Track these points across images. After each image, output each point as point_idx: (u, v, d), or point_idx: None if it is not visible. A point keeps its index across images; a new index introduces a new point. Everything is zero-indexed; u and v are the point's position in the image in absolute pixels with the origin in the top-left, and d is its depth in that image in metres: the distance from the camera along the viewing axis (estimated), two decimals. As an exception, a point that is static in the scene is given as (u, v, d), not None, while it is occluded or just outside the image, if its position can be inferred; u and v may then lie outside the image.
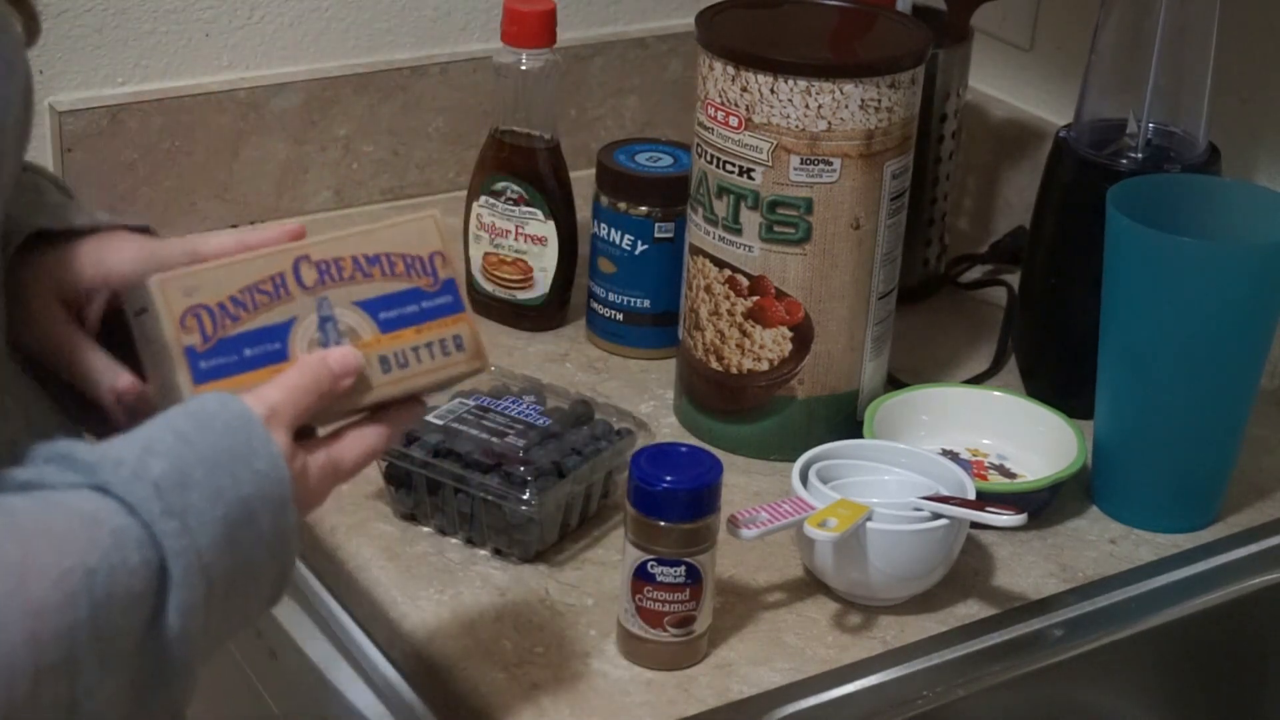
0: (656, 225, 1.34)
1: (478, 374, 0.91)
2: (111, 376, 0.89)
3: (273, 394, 0.82)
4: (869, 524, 1.06)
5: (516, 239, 1.38)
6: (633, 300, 1.36)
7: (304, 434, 0.86)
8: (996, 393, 1.28)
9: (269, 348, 0.85)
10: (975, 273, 1.55)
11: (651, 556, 1.02)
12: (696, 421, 1.28)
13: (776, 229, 1.19)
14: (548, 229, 1.37)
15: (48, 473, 0.75)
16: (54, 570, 0.70)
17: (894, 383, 1.33)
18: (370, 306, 0.87)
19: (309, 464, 0.84)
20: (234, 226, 1.53)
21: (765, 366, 1.23)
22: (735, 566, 1.13)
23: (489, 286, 1.39)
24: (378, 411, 0.88)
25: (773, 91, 1.16)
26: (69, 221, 0.91)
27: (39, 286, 0.90)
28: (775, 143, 1.17)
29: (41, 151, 1.47)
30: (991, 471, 1.23)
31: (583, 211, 1.40)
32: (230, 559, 0.77)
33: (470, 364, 0.90)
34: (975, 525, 1.11)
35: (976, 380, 1.37)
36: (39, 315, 0.90)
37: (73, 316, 0.91)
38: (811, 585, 1.12)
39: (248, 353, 0.84)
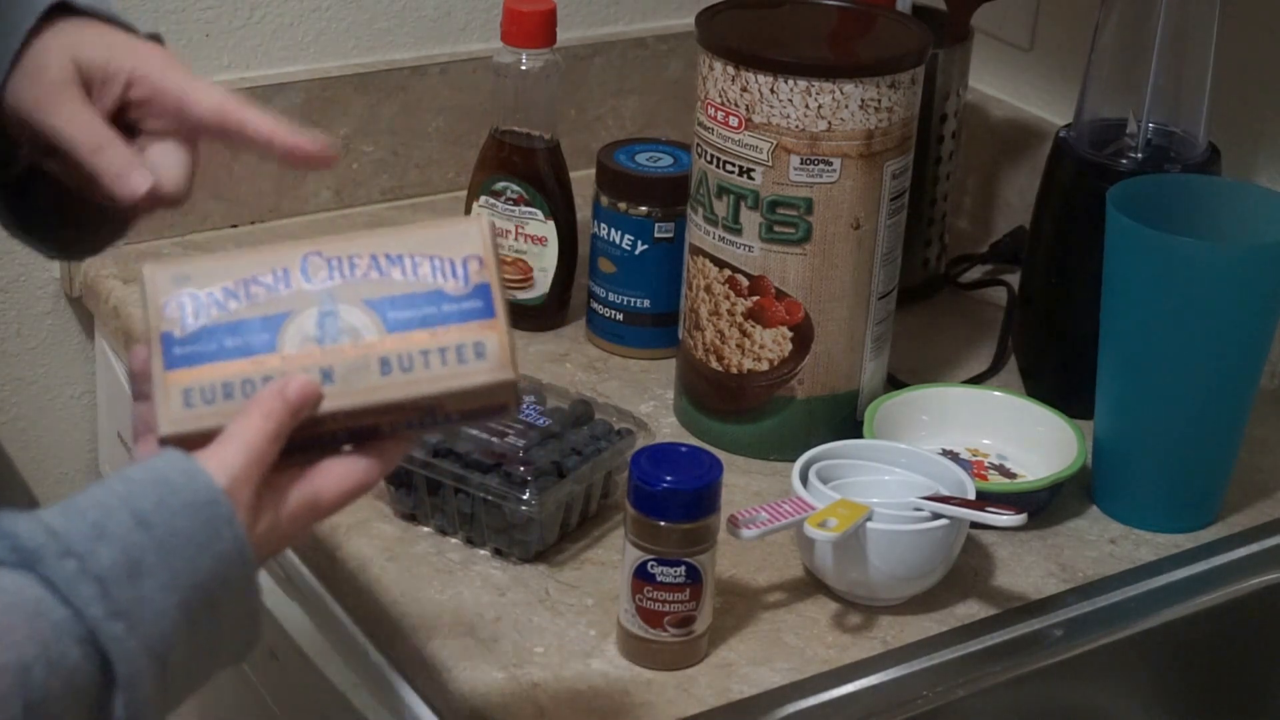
0: (656, 225, 1.34)
1: (506, 389, 0.81)
2: (139, 179, 0.85)
3: (233, 457, 0.77)
4: (869, 524, 1.06)
5: (516, 239, 1.38)
6: (633, 300, 1.36)
7: (301, 448, 0.80)
8: (996, 393, 1.28)
9: (255, 339, 0.80)
10: (975, 273, 1.55)
11: (651, 556, 1.02)
12: (696, 421, 1.28)
13: (776, 229, 1.19)
14: (548, 229, 1.37)
15: None
16: None
17: (894, 383, 1.33)
18: (380, 305, 0.81)
19: (280, 514, 0.79)
20: (234, 227, 1.53)
21: (765, 366, 1.23)
22: (735, 566, 1.13)
23: (489, 286, 1.39)
24: (368, 440, 0.82)
25: (773, 91, 1.16)
26: (103, 4, 0.88)
27: (59, 57, 0.86)
28: (775, 143, 1.17)
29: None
30: (991, 471, 1.23)
31: (583, 211, 1.40)
32: (188, 643, 0.74)
33: (492, 374, 0.81)
34: (975, 525, 1.11)
35: (976, 380, 1.37)
36: (54, 87, 0.85)
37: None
38: (811, 585, 1.12)
39: (229, 342, 0.80)
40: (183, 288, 0.80)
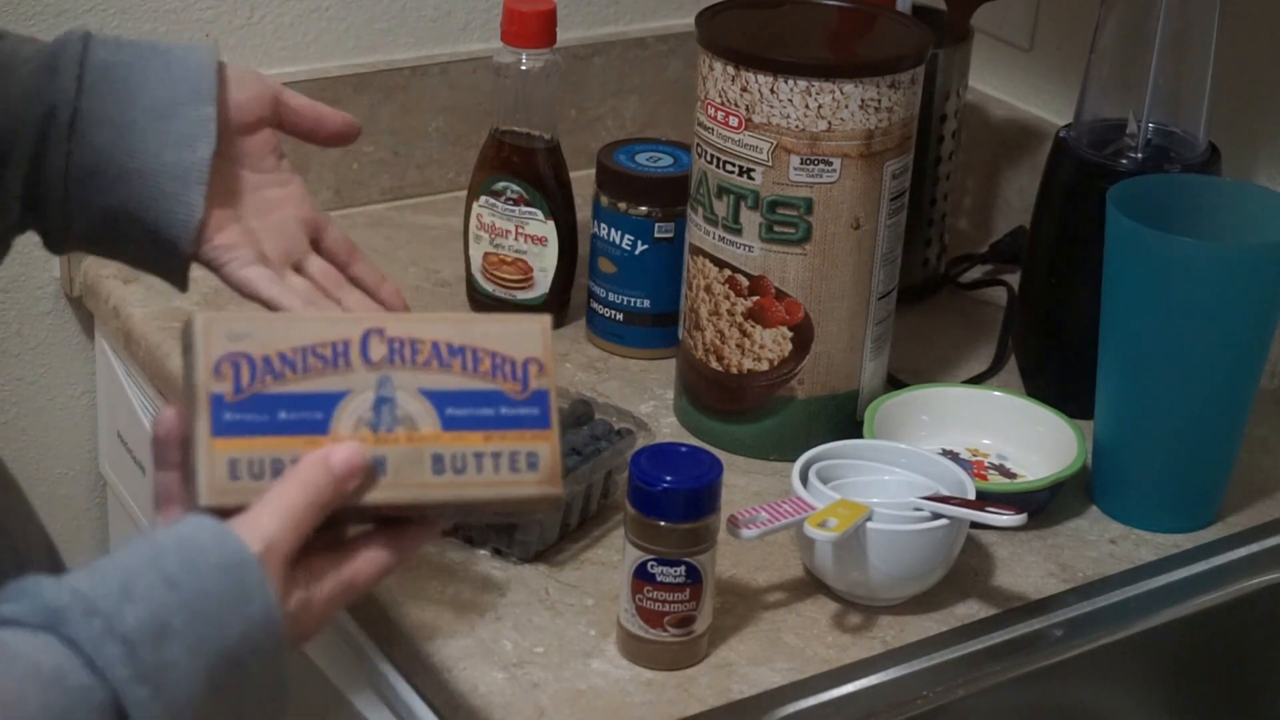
0: (656, 225, 1.34)
1: (548, 505, 0.81)
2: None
3: (269, 524, 0.74)
4: (869, 524, 1.06)
5: (516, 239, 1.38)
6: (633, 300, 1.36)
7: (331, 523, 0.79)
8: (996, 393, 1.28)
9: (309, 416, 0.77)
10: (975, 273, 1.55)
11: (651, 556, 1.02)
12: (696, 421, 1.28)
13: (776, 229, 1.19)
14: (548, 229, 1.37)
15: (7, 611, 0.69)
16: None
17: (894, 383, 1.33)
18: (438, 398, 0.79)
19: (311, 599, 0.77)
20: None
21: (765, 366, 1.23)
22: (735, 566, 1.13)
23: (489, 286, 1.39)
24: (397, 522, 0.80)
25: (773, 91, 1.16)
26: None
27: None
28: (775, 143, 1.17)
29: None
30: (991, 471, 1.23)
31: (583, 211, 1.40)
32: (213, 709, 0.71)
33: (540, 488, 0.80)
34: (975, 525, 1.11)
35: (976, 380, 1.37)
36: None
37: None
38: (811, 585, 1.12)
39: (283, 416, 0.77)
40: (238, 346, 0.77)
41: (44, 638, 0.68)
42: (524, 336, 0.81)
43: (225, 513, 0.76)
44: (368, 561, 0.79)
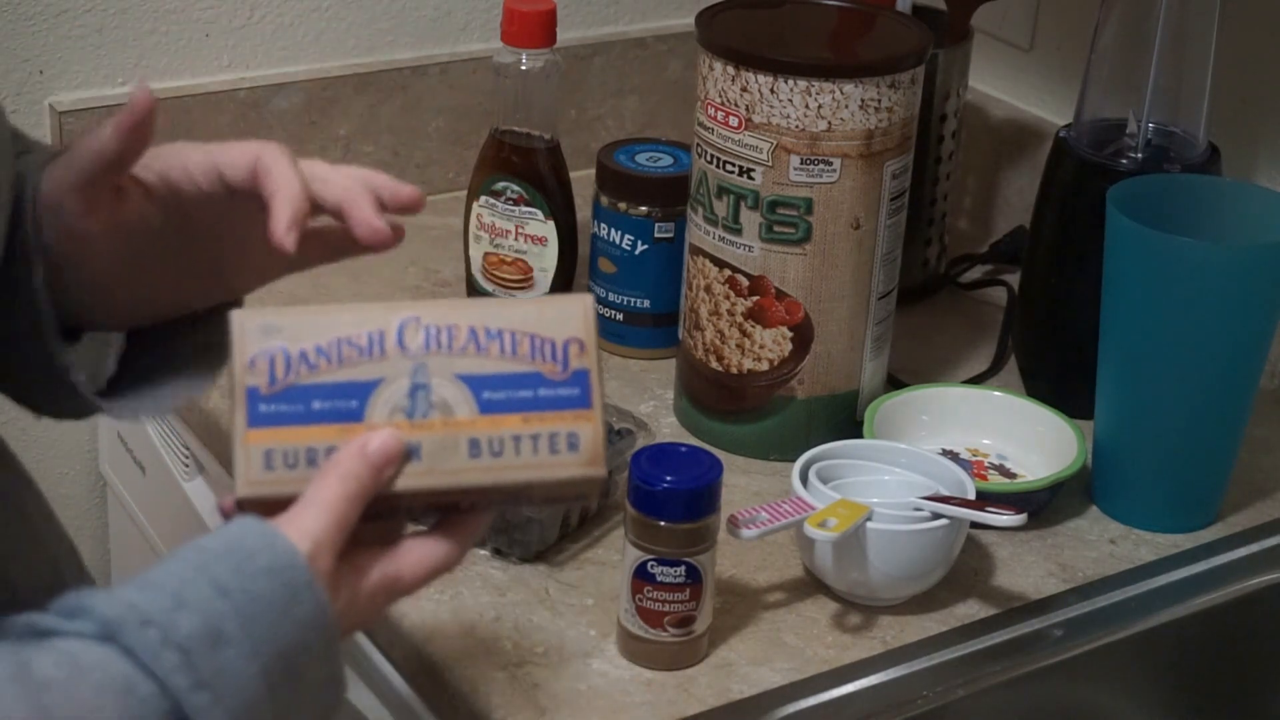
0: (656, 225, 1.34)
1: (592, 487, 0.79)
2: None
3: (313, 522, 0.74)
4: (869, 524, 1.06)
5: (516, 239, 1.38)
6: (633, 300, 1.36)
7: (377, 516, 0.78)
8: (996, 393, 1.28)
9: (343, 405, 0.76)
10: (975, 273, 1.55)
11: (651, 556, 1.02)
12: (696, 421, 1.28)
13: (776, 229, 1.19)
14: (548, 229, 1.37)
15: (67, 626, 0.70)
16: None
17: (894, 383, 1.33)
18: (475, 383, 0.77)
19: (359, 590, 0.77)
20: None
21: (765, 366, 1.23)
22: (735, 566, 1.13)
23: (489, 286, 1.39)
24: (448, 513, 0.80)
25: (773, 91, 1.16)
26: None
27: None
28: (775, 143, 1.17)
29: (41, 151, 1.47)
30: (991, 471, 1.23)
31: (583, 211, 1.40)
32: (271, 712, 0.72)
33: (583, 469, 0.78)
34: (975, 525, 1.11)
35: (976, 380, 1.37)
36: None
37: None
38: (811, 585, 1.12)
39: (317, 405, 0.76)
40: (272, 340, 0.77)
41: (106, 649, 0.69)
42: (564, 317, 0.79)
43: (264, 505, 0.76)
44: (415, 555, 0.79)
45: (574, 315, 0.79)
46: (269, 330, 0.77)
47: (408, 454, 0.77)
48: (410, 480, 0.77)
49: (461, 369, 0.78)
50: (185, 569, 0.72)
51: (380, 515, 0.78)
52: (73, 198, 0.81)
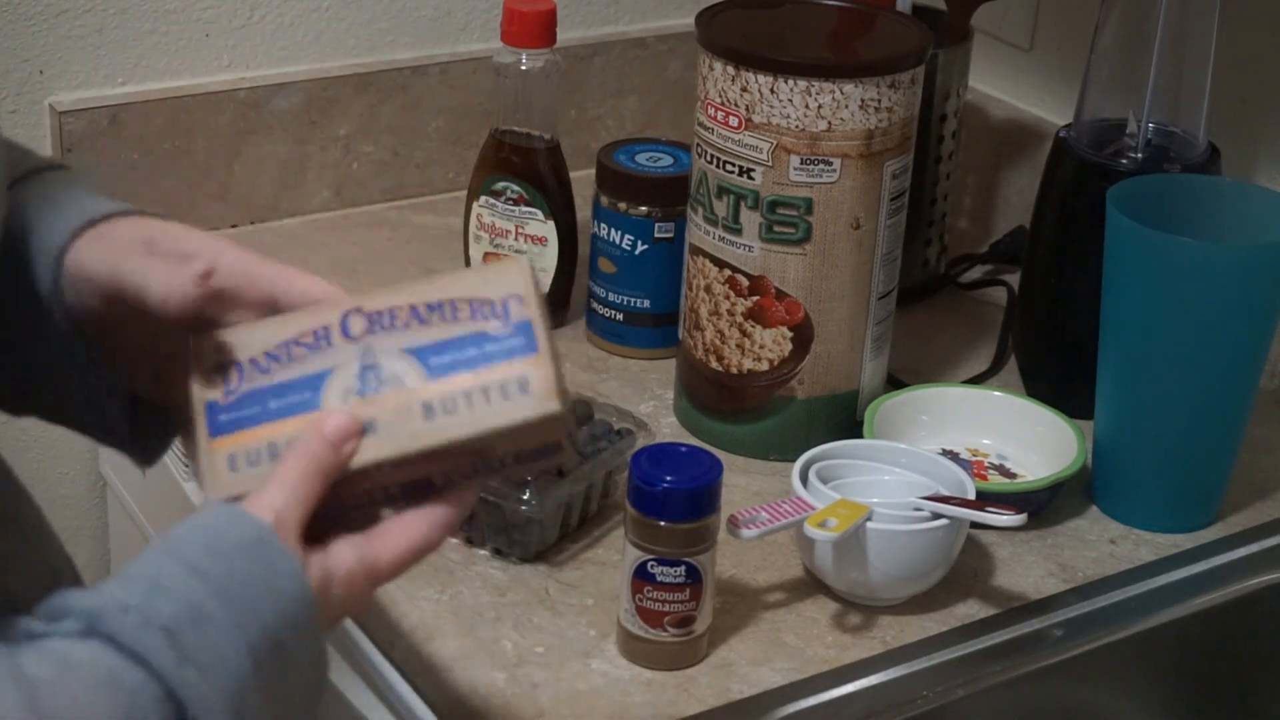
0: (656, 225, 1.34)
1: (554, 424, 0.79)
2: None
3: (275, 496, 0.75)
4: (869, 524, 1.06)
5: (516, 239, 1.38)
6: (633, 300, 1.36)
7: (355, 507, 0.79)
8: (996, 393, 1.28)
9: (298, 398, 0.78)
10: (975, 273, 1.55)
11: (651, 556, 1.02)
12: (696, 421, 1.28)
13: (776, 229, 1.19)
14: (548, 229, 1.37)
15: (54, 628, 0.70)
16: None
17: (894, 383, 1.33)
18: (421, 353, 0.79)
19: (334, 569, 0.76)
20: (234, 227, 1.53)
21: (765, 366, 1.23)
22: (735, 566, 1.13)
23: (489, 286, 1.39)
24: (427, 492, 0.79)
25: (773, 91, 1.16)
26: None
27: (129, 230, 0.81)
28: (775, 143, 1.17)
29: (41, 152, 1.46)
30: (991, 471, 1.23)
31: (583, 211, 1.40)
32: (261, 691, 0.72)
33: (537, 408, 0.78)
34: (975, 525, 1.11)
35: (976, 380, 1.37)
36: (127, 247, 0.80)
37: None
38: (811, 585, 1.12)
39: (273, 404, 0.78)
40: (225, 356, 0.79)
41: (92, 644, 0.69)
42: (502, 279, 0.80)
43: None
44: (392, 535, 0.79)
45: (511, 275, 0.80)
46: (222, 347, 0.79)
47: (364, 428, 0.78)
48: (372, 452, 0.78)
49: (407, 343, 0.79)
50: (159, 557, 0.73)
51: (357, 505, 0.79)
52: (94, 295, 0.81)
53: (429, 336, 0.79)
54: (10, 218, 0.81)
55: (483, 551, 1.13)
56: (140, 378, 0.85)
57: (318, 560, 0.76)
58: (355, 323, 0.79)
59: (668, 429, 1.29)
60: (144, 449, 0.87)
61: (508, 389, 0.78)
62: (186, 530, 0.74)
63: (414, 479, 0.80)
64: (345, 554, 0.77)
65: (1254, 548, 1.20)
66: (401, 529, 0.79)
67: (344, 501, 0.78)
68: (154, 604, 0.70)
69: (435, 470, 0.80)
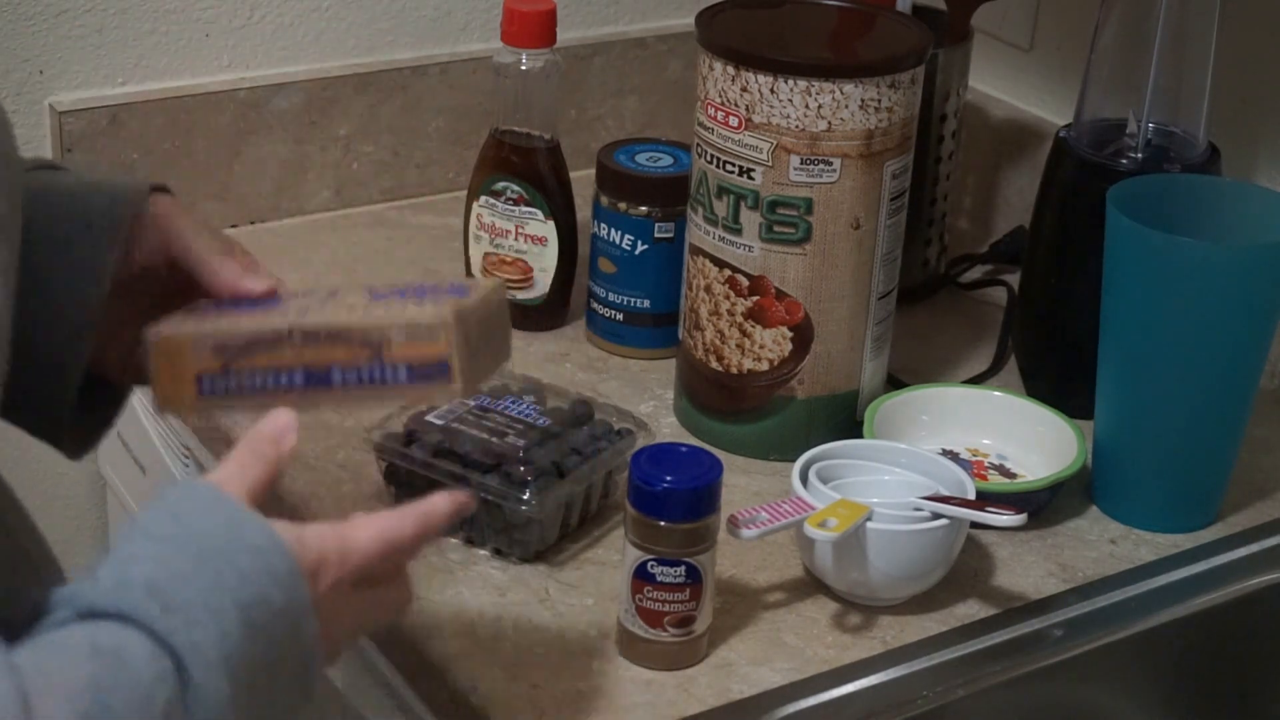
0: (656, 225, 1.34)
1: (445, 329, 0.86)
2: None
3: (220, 472, 0.79)
4: (869, 524, 1.06)
5: (516, 239, 1.38)
6: (633, 300, 1.36)
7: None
8: (996, 393, 1.28)
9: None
10: (975, 273, 1.55)
11: (651, 556, 1.02)
12: (696, 421, 1.28)
13: (776, 229, 1.19)
14: (548, 229, 1.37)
15: (44, 624, 0.71)
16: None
17: (894, 383, 1.33)
18: (367, 289, 0.91)
19: (304, 537, 0.77)
20: (234, 227, 1.53)
21: (765, 366, 1.23)
22: (735, 566, 1.13)
23: (489, 286, 1.39)
24: (322, 397, 0.87)
25: (773, 91, 1.16)
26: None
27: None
28: (775, 143, 1.17)
29: (41, 152, 1.47)
30: (991, 471, 1.23)
31: (583, 211, 1.40)
32: (249, 645, 0.72)
33: (432, 315, 0.86)
34: (975, 525, 1.11)
35: (976, 380, 1.37)
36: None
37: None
38: (811, 585, 1.12)
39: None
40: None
41: (85, 625, 0.70)
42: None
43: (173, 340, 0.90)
44: (362, 520, 0.81)
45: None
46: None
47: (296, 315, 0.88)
48: (286, 320, 0.87)
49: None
50: (123, 540, 0.74)
51: (261, 388, 0.87)
52: (156, 252, 0.92)
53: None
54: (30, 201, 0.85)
55: (483, 551, 1.13)
56: (113, 354, 0.94)
57: (286, 524, 0.78)
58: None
59: (668, 429, 1.29)
60: (79, 438, 0.97)
61: (422, 303, 0.87)
62: (146, 512, 0.76)
63: (314, 365, 0.86)
64: (318, 526, 0.79)
65: (1254, 548, 1.20)
66: (372, 517, 0.82)
67: (252, 368, 0.87)
68: (127, 570, 0.71)
69: (336, 361, 0.86)
